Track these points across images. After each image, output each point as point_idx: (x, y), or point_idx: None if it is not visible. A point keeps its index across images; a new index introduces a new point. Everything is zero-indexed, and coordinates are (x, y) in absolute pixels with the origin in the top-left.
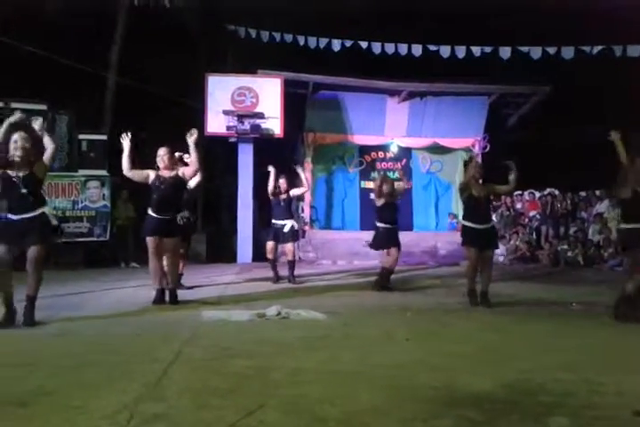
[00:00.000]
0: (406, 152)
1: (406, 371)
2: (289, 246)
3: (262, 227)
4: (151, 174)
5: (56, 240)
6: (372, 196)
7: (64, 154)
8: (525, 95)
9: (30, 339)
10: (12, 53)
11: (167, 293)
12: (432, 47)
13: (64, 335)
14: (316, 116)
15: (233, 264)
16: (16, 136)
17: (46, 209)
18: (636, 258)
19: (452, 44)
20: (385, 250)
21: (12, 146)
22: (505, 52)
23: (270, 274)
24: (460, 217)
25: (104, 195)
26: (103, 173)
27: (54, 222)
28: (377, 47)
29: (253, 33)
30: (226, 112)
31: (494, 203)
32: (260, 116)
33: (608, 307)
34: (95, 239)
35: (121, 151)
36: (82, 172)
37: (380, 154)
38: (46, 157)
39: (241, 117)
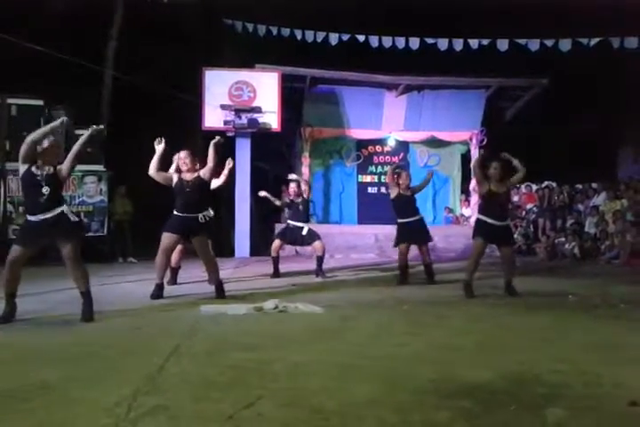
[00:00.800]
0: (404, 146)
1: (403, 363)
2: (317, 244)
3: (260, 222)
4: (174, 177)
5: (83, 234)
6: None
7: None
8: (523, 88)
9: (29, 333)
10: (8, 49)
11: (215, 289)
12: (429, 40)
13: (63, 330)
14: (314, 111)
15: (231, 258)
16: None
17: (65, 208)
18: None
19: (450, 36)
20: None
21: (45, 144)
22: (502, 45)
23: (269, 268)
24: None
25: (101, 190)
26: (100, 168)
27: (74, 218)
28: (374, 41)
29: (250, 27)
30: (223, 106)
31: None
32: (258, 110)
33: (604, 299)
34: (93, 234)
35: (119, 145)
36: (79, 167)
37: (378, 148)
38: (67, 161)
39: (238, 112)
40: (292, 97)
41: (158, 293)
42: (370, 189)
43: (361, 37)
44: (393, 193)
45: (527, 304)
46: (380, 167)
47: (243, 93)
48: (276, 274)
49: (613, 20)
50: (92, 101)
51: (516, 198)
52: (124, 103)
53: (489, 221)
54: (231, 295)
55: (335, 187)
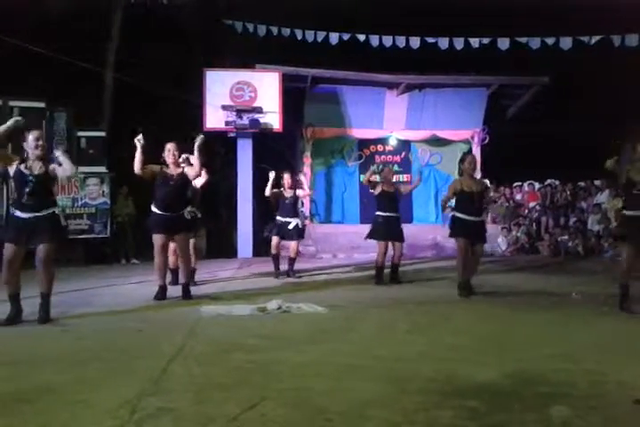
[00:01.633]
0: (405, 145)
1: (407, 363)
2: (292, 244)
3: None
4: (157, 169)
5: (64, 239)
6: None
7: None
8: (524, 86)
9: (33, 336)
10: (9, 51)
11: (181, 289)
12: (430, 39)
13: (66, 332)
14: (315, 110)
15: (233, 259)
16: (32, 136)
17: (57, 209)
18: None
19: (450, 35)
20: (382, 242)
21: (31, 144)
22: (503, 44)
23: (271, 268)
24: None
25: (104, 191)
26: (102, 169)
27: (64, 223)
28: (375, 40)
29: (251, 27)
30: (224, 107)
31: (493, 194)
32: (259, 110)
33: (608, 297)
34: (96, 236)
35: (119, 147)
36: (81, 169)
37: (380, 147)
38: (61, 173)
39: (239, 112)
40: (293, 97)
41: (162, 294)
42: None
43: (361, 37)
44: (377, 190)
45: (530, 302)
46: (381, 166)
47: (244, 94)
48: (278, 274)
49: (614, 17)
50: (94, 103)
51: (518, 197)
52: (125, 104)
53: (465, 217)
54: (234, 296)
55: (337, 186)
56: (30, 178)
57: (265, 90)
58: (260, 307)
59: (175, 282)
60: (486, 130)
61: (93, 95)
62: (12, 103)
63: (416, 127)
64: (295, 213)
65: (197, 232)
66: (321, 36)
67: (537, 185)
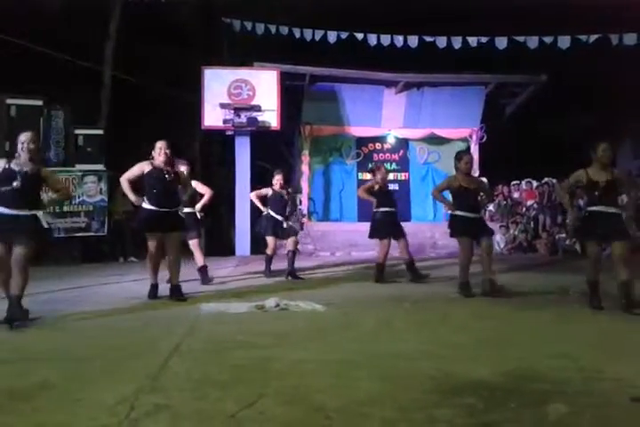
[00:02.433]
0: (403, 143)
1: (405, 360)
2: (292, 239)
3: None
4: (146, 166)
5: (45, 242)
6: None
7: (60, 149)
8: (522, 85)
9: (30, 334)
10: (7, 49)
11: (170, 290)
12: (428, 38)
13: (64, 330)
14: (313, 109)
15: (231, 257)
16: (22, 137)
17: (40, 212)
18: None
19: (448, 35)
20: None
21: (19, 146)
22: (501, 43)
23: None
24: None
25: (101, 189)
26: (100, 167)
27: (46, 225)
28: (373, 39)
29: (249, 26)
30: (222, 105)
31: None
32: (257, 108)
33: (606, 295)
34: (93, 234)
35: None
36: (79, 166)
37: (378, 145)
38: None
39: (237, 110)
40: (291, 95)
41: (154, 292)
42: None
43: (359, 35)
44: (375, 188)
45: (528, 300)
46: (375, 164)
47: (242, 92)
48: (269, 273)
49: (612, 16)
50: (92, 101)
51: (516, 195)
52: (123, 102)
53: (465, 214)
54: (232, 294)
55: (335, 184)
56: (18, 175)
57: (263, 88)
58: (257, 305)
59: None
60: (484, 128)
61: (91, 93)
62: (9, 101)
63: (414, 125)
64: (284, 212)
65: (200, 231)
66: (319, 34)
67: (534, 183)
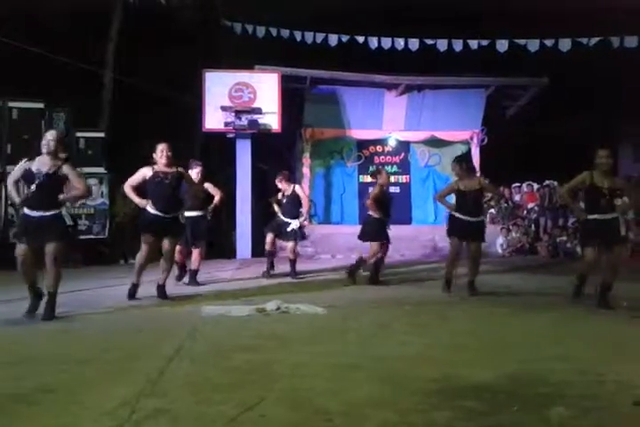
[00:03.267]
0: (404, 146)
1: (406, 363)
2: (289, 245)
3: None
4: (147, 171)
5: (73, 239)
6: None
7: None
8: (523, 87)
9: (32, 336)
10: (8, 52)
11: (157, 289)
12: (429, 41)
13: (66, 332)
14: (314, 111)
15: (232, 260)
16: (46, 135)
17: (63, 210)
18: None
19: (449, 37)
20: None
21: (42, 144)
22: (502, 46)
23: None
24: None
25: (102, 192)
26: (101, 170)
27: (70, 222)
28: (373, 42)
29: (250, 29)
30: (223, 108)
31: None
32: (258, 111)
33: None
34: (94, 237)
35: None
36: (79, 169)
37: (379, 148)
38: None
39: (238, 113)
40: (292, 98)
41: (134, 291)
42: (371, 190)
43: (360, 38)
44: (377, 190)
45: (529, 303)
46: (376, 168)
47: (243, 95)
48: (269, 273)
49: (613, 19)
50: (93, 103)
51: (517, 198)
52: (124, 105)
53: (461, 217)
54: (233, 297)
55: (336, 187)
56: (36, 176)
57: (264, 91)
58: (258, 308)
59: (181, 278)
60: (485, 131)
61: (92, 96)
62: (11, 104)
63: (415, 128)
64: (292, 215)
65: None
66: (320, 37)
67: (535, 186)
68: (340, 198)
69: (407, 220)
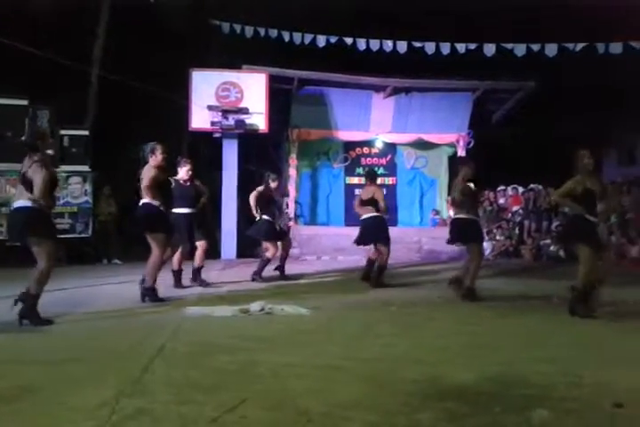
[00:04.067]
0: (391, 148)
1: (389, 365)
2: (266, 245)
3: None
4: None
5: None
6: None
7: None
8: (510, 91)
9: (14, 336)
10: None
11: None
12: (417, 44)
13: (47, 332)
14: (301, 112)
15: (217, 260)
16: None
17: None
18: None
19: (437, 40)
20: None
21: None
22: (489, 49)
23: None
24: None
25: (86, 191)
26: (85, 168)
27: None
28: (362, 44)
29: (238, 28)
30: (210, 107)
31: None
32: (245, 111)
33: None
34: (77, 236)
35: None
36: (63, 167)
37: (365, 150)
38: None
39: (225, 113)
40: (279, 98)
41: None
42: (357, 191)
43: (348, 40)
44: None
45: (512, 306)
46: (366, 169)
47: (230, 94)
48: (260, 278)
49: (599, 25)
50: (78, 101)
51: (502, 201)
52: (110, 103)
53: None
54: (218, 297)
55: (322, 188)
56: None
57: (251, 91)
58: (242, 308)
59: (179, 284)
60: (471, 134)
61: (77, 93)
62: None
63: (402, 130)
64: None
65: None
66: (308, 38)
67: (520, 189)
68: (327, 199)
69: (393, 222)
